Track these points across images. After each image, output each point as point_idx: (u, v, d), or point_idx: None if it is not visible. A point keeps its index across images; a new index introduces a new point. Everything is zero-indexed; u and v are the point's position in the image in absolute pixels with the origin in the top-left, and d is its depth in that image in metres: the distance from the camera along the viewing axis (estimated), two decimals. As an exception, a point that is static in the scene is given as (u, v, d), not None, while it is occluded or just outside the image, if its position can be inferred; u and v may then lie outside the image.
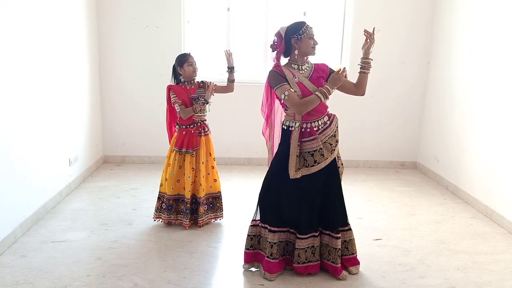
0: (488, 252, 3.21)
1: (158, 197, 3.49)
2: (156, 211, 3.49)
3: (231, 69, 3.49)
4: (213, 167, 3.51)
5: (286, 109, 2.75)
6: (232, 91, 3.55)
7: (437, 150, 4.91)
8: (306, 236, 2.72)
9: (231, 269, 2.88)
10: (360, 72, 2.75)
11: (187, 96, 3.33)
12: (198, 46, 5.12)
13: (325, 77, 2.73)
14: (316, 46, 2.70)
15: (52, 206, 3.75)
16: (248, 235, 2.86)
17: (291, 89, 2.58)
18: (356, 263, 2.88)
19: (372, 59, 2.69)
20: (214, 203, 3.55)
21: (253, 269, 2.86)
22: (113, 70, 5.09)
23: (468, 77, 4.29)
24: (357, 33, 5.03)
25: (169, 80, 3.46)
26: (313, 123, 2.67)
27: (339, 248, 2.75)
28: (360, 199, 4.29)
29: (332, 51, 5.20)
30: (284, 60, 2.76)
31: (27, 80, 3.33)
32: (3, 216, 2.99)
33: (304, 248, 2.72)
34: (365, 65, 2.72)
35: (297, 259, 2.73)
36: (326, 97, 2.58)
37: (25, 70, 3.30)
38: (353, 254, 2.87)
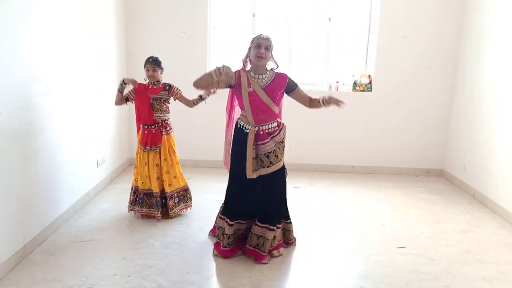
0: (516, 263, 3.14)
1: (134, 191, 3.67)
2: (130, 203, 3.68)
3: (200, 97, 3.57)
4: (171, 165, 3.64)
5: (242, 109, 2.96)
6: (190, 106, 3.63)
7: (464, 158, 4.81)
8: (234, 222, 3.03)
9: (253, 272, 2.90)
10: (320, 102, 2.95)
11: (146, 96, 3.54)
12: (223, 51, 5.19)
13: (282, 87, 2.93)
14: (263, 56, 2.82)
15: (81, 206, 3.86)
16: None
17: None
18: (279, 247, 3.12)
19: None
20: (185, 194, 3.74)
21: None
22: (141, 74, 5.17)
23: (497, 84, 4.20)
24: (383, 39, 5.02)
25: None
26: (262, 126, 2.91)
27: (271, 239, 3.01)
28: (383, 206, 4.24)
29: (358, 57, 5.17)
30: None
31: (58, 84, 3.45)
32: (33, 216, 3.11)
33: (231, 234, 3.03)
34: (326, 105, 2.93)
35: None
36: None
37: (55, 74, 3.42)
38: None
